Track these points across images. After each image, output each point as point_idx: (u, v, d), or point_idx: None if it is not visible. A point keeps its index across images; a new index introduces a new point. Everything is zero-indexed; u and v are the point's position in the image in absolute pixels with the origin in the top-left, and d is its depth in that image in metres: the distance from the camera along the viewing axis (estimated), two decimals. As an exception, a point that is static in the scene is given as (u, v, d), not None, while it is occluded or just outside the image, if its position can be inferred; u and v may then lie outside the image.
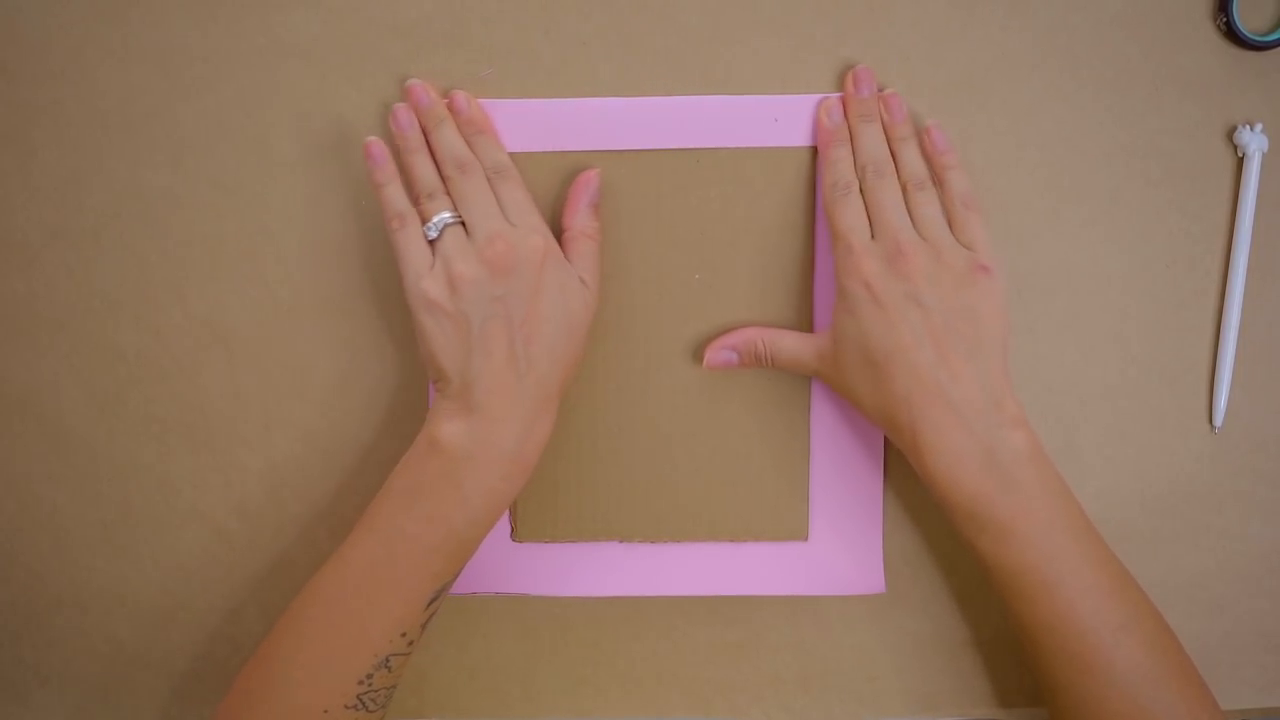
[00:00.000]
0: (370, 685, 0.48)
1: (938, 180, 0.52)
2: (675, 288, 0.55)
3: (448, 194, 0.51)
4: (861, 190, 0.52)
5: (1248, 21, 0.53)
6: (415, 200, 0.52)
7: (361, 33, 0.54)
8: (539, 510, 0.56)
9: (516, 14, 0.54)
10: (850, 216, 0.51)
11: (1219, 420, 0.55)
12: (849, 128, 0.53)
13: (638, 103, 0.54)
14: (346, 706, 0.48)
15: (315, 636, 0.49)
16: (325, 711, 0.48)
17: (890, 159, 0.52)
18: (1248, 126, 0.53)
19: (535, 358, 0.49)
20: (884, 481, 0.56)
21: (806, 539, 0.56)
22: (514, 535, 0.57)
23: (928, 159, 0.53)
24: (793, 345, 0.53)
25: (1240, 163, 0.54)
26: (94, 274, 0.56)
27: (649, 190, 0.54)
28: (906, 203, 0.51)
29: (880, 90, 0.53)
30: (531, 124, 0.54)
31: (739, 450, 0.56)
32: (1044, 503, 0.48)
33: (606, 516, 0.56)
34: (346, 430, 0.56)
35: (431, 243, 0.51)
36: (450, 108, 0.53)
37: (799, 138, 0.54)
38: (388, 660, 0.49)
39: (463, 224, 0.51)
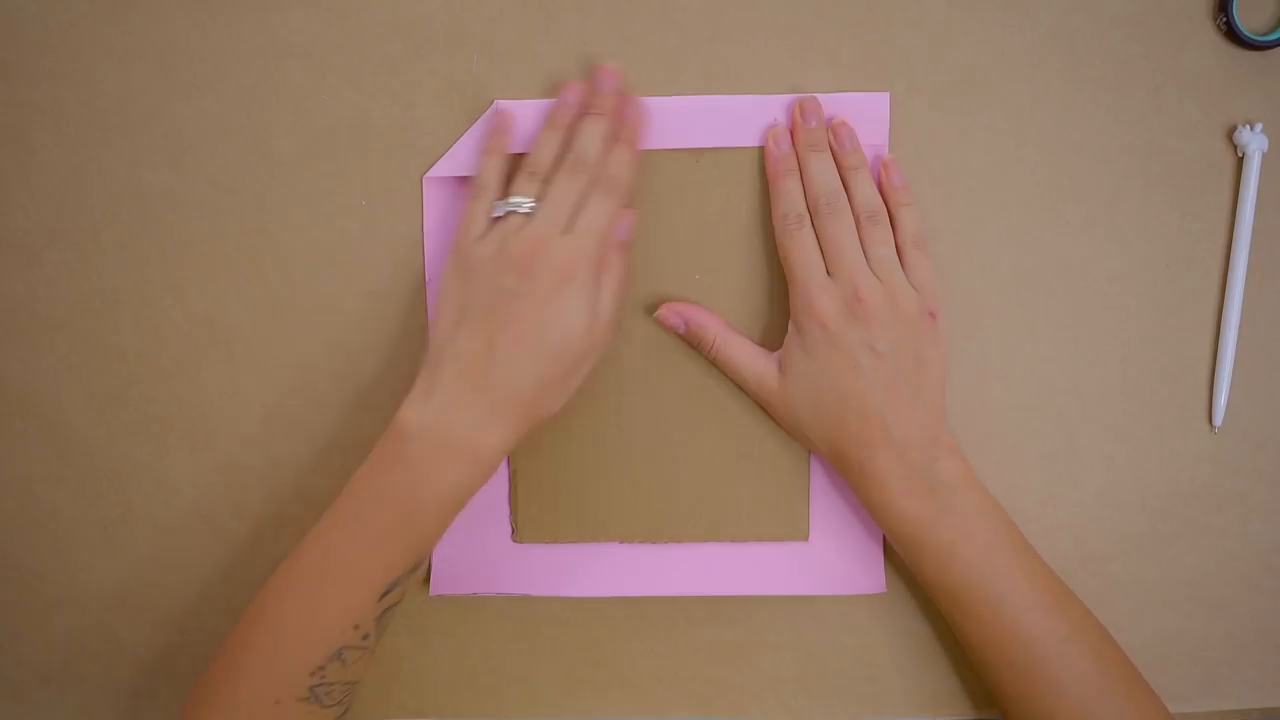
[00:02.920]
0: (324, 678, 0.48)
1: (890, 217, 0.52)
2: (675, 287, 0.55)
3: (547, 182, 0.51)
4: (813, 223, 0.52)
5: (1248, 21, 0.53)
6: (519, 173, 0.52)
7: (361, 33, 0.54)
8: (540, 511, 0.56)
9: (516, 14, 0.54)
10: (805, 250, 0.51)
11: (1219, 420, 0.55)
12: (798, 158, 0.53)
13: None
14: (299, 699, 0.48)
15: (270, 624, 0.49)
16: (277, 702, 0.48)
17: (842, 191, 0.52)
18: (1248, 126, 0.53)
19: (512, 361, 0.48)
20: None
21: (807, 539, 0.56)
22: (515, 536, 0.57)
23: (882, 194, 0.53)
24: (740, 357, 0.53)
25: (1240, 163, 0.54)
26: (94, 274, 0.56)
27: (649, 190, 0.54)
28: (860, 237, 0.51)
29: (830, 121, 0.53)
30: (531, 124, 0.54)
31: (739, 450, 0.56)
32: (981, 524, 0.50)
33: (607, 517, 0.56)
34: (346, 430, 0.56)
35: (496, 219, 0.51)
36: (619, 112, 0.53)
37: (799, 138, 0.54)
38: (341, 653, 0.48)
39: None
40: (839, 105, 0.54)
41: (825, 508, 0.56)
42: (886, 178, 0.53)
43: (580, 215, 0.50)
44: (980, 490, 0.51)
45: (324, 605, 0.48)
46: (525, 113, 0.54)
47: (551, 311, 0.49)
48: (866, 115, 0.53)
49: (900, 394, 0.50)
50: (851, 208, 0.52)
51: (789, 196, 0.52)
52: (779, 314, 0.55)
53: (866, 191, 0.52)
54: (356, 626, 0.49)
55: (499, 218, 0.51)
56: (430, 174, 0.55)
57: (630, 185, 0.52)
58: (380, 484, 0.49)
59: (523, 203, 0.50)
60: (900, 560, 0.56)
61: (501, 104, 0.54)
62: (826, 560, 0.56)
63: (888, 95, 0.54)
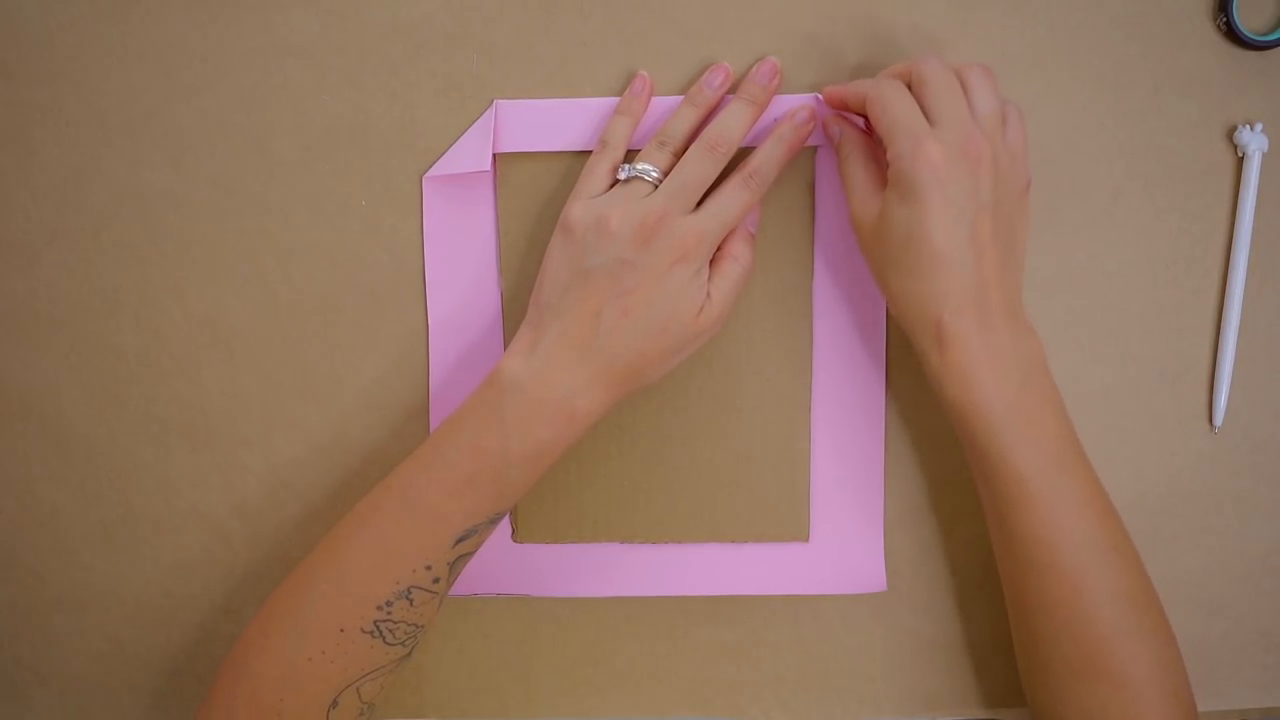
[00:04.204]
0: (389, 614, 0.48)
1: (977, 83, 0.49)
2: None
3: (676, 156, 0.51)
4: (912, 85, 0.49)
5: (1248, 21, 0.53)
6: (650, 143, 0.51)
7: (361, 33, 0.54)
8: (539, 511, 0.56)
9: (516, 14, 0.54)
10: (906, 102, 0.48)
11: (1219, 420, 0.55)
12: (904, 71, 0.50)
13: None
14: (363, 630, 0.48)
15: (343, 554, 0.49)
16: (341, 631, 0.48)
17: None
18: (1248, 126, 0.53)
19: (618, 332, 0.48)
20: (884, 482, 0.56)
21: (807, 540, 0.56)
22: (515, 536, 0.57)
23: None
24: (853, 182, 0.50)
25: (1240, 163, 0.54)
26: (94, 274, 0.56)
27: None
28: (966, 90, 0.49)
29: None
30: (531, 124, 0.54)
31: (739, 450, 0.56)
32: (1054, 412, 0.48)
33: (607, 517, 0.56)
34: (346, 430, 0.56)
35: (618, 183, 0.51)
36: (791, 115, 0.52)
37: (799, 138, 0.54)
38: (409, 592, 0.48)
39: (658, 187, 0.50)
40: (769, 107, 0.53)
41: (825, 508, 0.56)
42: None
43: (713, 200, 0.50)
44: (1052, 380, 0.49)
45: (399, 542, 0.48)
46: (524, 113, 0.54)
47: (663, 289, 0.48)
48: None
49: (993, 255, 0.47)
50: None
51: (879, 78, 0.50)
52: (779, 310, 0.55)
53: (962, 62, 0.50)
54: (429, 568, 0.49)
55: (622, 180, 0.51)
56: (430, 174, 0.55)
57: (771, 184, 0.52)
58: (473, 432, 0.49)
59: (649, 170, 0.50)
60: (900, 560, 0.56)
61: (502, 103, 0.54)
62: (826, 560, 0.56)
63: (816, 97, 0.54)
